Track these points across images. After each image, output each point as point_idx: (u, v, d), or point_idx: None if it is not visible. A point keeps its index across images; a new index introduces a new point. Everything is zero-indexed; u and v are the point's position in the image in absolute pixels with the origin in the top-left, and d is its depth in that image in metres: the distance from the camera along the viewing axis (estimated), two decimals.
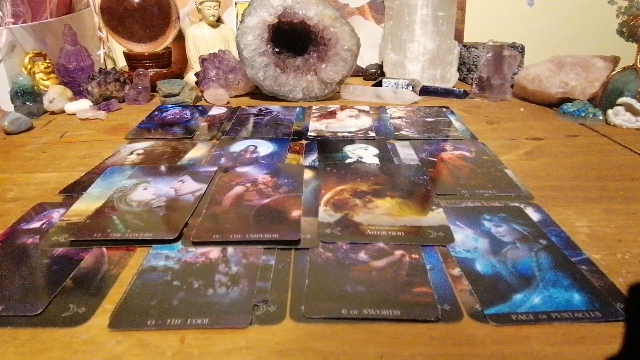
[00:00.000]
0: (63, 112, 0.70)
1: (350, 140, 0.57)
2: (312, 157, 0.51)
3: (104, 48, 0.96)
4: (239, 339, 0.26)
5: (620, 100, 0.62)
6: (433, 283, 0.30)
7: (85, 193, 0.43)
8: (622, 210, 0.40)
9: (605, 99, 0.66)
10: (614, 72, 0.66)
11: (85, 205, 0.40)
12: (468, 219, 0.38)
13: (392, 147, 0.54)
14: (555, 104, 0.70)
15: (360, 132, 0.60)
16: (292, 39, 0.74)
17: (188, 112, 0.69)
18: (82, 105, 0.70)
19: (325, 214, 0.38)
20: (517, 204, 0.40)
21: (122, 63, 0.93)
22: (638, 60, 0.63)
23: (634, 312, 0.18)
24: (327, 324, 0.27)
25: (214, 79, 0.77)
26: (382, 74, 0.88)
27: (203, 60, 0.77)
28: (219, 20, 0.90)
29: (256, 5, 0.69)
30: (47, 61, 0.76)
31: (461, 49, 0.87)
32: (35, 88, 0.69)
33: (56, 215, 0.39)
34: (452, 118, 0.65)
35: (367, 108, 0.70)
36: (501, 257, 0.33)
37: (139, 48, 0.84)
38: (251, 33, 0.69)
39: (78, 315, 0.27)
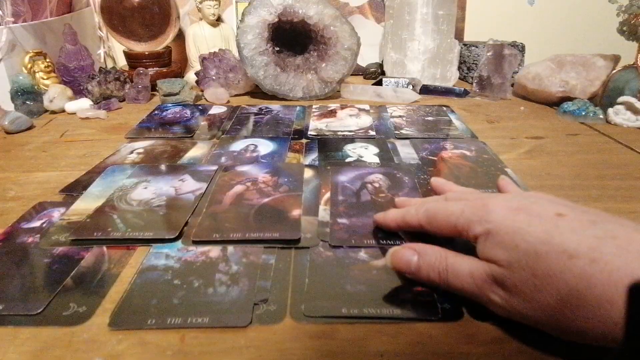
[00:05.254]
0: (63, 111, 0.70)
1: (351, 139, 0.57)
2: (313, 156, 0.51)
3: (104, 47, 0.96)
4: (239, 338, 0.26)
5: (621, 99, 0.62)
6: None
7: (85, 192, 0.43)
8: (622, 209, 0.40)
9: (605, 97, 0.66)
10: (614, 71, 0.66)
11: (86, 204, 0.40)
12: None
13: (393, 146, 0.54)
14: (555, 102, 0.70)
15: (361, 131, 0.60)
16: (292, 38, 0.74)
17: (188, 111, 0.69)
18: (82, 105, 0.70)
19: (326, 213, 0.38)
20: None
21: (122, 62, 0.93)
22: (638, 59, 0.63)
23: (634, 312, 0.18)
24: (328, 323, 0.27)
25: (214, 78, 0.77)
26: (383, 73, 0.88)
27: (203, 59, 0.77)
28: (219, 20, 0.90)
29: (256, 4, 0.69)
30: (48, 60, 0.76)
31: (461, 47, 0.87)
32: (36, 87, 0.69)
33: (56, 214, 0.39)
34: (452, 117, 0.65)
35: (367, 107, 0.70)
36: None
37: (139, 47, 0.84)
38: (251, 32, 0.69)
39: (78, 314, 0.27)
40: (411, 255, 0.29)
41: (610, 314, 0.21)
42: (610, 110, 0.62)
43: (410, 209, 0.32)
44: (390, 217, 0.34)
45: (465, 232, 0.28)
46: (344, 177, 0.45)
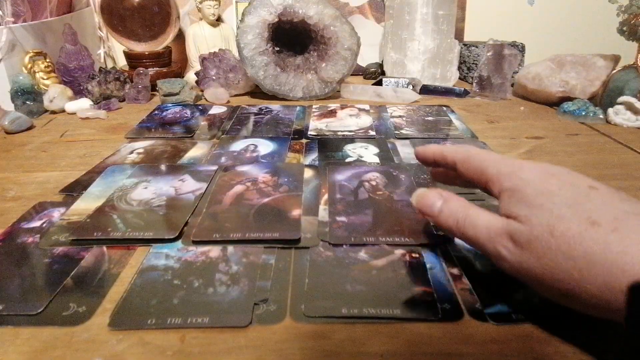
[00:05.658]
0: (63, 111, 0.70)
1: (351, 139, 0.57)
2: (313, 156, 0.51)
3: (104, 47, 0.96)
4: (239, 338, 0.26)
5: (621, 99, 0.62)
6: (433, 282, 0.30)
7: (85, 192, 0.43)
8: None
9: (605, 97, 0.66)
10: (614, 71, 0.66)
11: (86, 204, 0.40)
12: None
13: (393, 146, 0.54)
14: (555, 102, 0.70)
15: (361, 131, 0.60)
16: (292, 37, 0.74)
17: (188, 111, 0.69)
18: (82, 105, 0.70)
19: (325, 213, 0.38)
20: None
21: (122, 62, 0.93)
22: (638, 59, 0.63)
23: (634, 312, 0.18)
24: (327, 323, 0.27)
25: (214, 78, 0.77)
26: (383, 73, 0.88)
27: (203, 60, 0.77)
28: (219, 20, 0.90)
29: (256, 4, 0.69)
30: (48, 60, 0.76)
31: (461, 47, 0.87)
32: (36, 87, 0.69)
33: (56, 214, 0.39)
34: (452, 117, 0.65)
35: (367, 107, 0.70)
36: None
37: (139, 47, 0.84)
38: (251, 32, 0.69)
39: (78, 314, 0.27)
40: (437, 198, 0.30)
41: (619, 280, 0.21)
42: (610, 110, 0.62)
43: (451, 146, 0.32)
44: (430, 147, 0.34)
45: (492, 183, 0.28)
46: (341, 176, 0.45)
